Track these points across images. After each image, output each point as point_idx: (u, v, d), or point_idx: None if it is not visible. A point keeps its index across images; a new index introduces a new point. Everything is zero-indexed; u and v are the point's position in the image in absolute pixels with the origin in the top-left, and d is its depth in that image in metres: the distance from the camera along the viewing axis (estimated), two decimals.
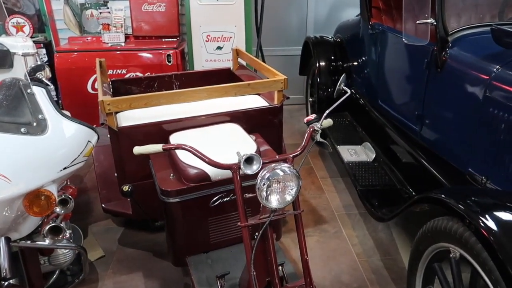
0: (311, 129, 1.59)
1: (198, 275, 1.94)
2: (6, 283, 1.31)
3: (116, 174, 2.24)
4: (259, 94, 2.56)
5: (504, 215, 1.32)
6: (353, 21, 3.50)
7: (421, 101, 2.32)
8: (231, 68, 3.16)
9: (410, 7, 2.23)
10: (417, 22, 2.11)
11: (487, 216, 1.30)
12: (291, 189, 1.36)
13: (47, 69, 1.83)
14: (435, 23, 2.05)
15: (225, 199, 1.96)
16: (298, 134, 3.93)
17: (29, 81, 1.30)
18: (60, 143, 1.25)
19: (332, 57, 3.53)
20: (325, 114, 1.61)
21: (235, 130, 2.22)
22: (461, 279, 1.46)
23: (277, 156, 1.48)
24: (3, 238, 1.32)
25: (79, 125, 1.34)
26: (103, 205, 2.38)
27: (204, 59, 3.60)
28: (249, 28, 3.58)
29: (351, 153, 2.76)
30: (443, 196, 1.51)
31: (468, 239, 1.34)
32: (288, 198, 1.35)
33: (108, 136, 2.15)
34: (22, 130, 1.16)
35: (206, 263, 2.01)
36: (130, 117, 2.23)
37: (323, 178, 3.26)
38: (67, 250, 1.80)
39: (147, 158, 2.13)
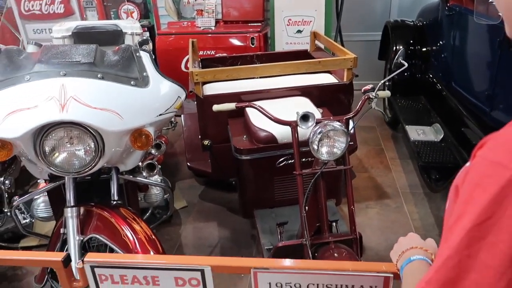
0: (366, 97, 1.76)
1: (263, 225, 2.24)
2: (115, 202, 1.72)
3: (200, 137, 2.62)
4: (331, 73, 2.75)
5: None
6: (435, 3, 3.48)
7: (492, 81, 2.32)
8: (308, 49, 3.37)
9: None
10: (489, 0, 2.14)
11: None
12: (340, 144, 1.56)
13: (150, 44, 2.23)
14: None
15: (289, 161, 2.21)
16: (372, 117, 4.02)
17: (138, 47, 1.69)
18: (158, 95, 1.61)
19: (411, 41, 3.55)
20: (380, 84, 1.77)
21: (303, 102, 2.45)
22: None
23: (331, 117, 1.69)
24: (114, 168, 1.75)
25: (172, 83, 1.70)
26: (188, 164, 2.79)
27: (285, 42, 3.86)
28: (329, 13, 3.75)
29: (418, 133, 2.83)
30: None
31: None
32: (337, 152, 1.57)
33: (195, 102, 2.53)
34: (132, 82, 1.53)
35: (271, 216, 2.30)
36: (214, 88, 2.58)
37: (392, 158, 3.34)
38: (158, 191, 2.21)
39: (226, 123, 2.47)
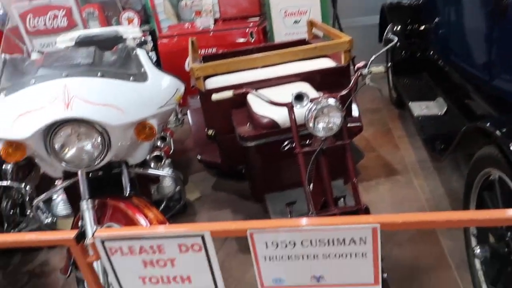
0: (359, 74, 1.80)
1: (273, 207, 2.30)
2: (128, 193, 1.81)
3: (206, 130, 2.70)
4: (329, 58, 2.78)
5: None
6: None
7: (488, 51, 2.33)
8: (306, 39, 3.41)
9: None
10: None
11: None
12: (336, 120, 1.61)
13: (150, 44, 2.31)
14: None
15: (294, 144, 2.27)
16: (377, 99, 4.03)
17: (136, 47, 1.77)
18: (157, 88, 1.69)
19: (408, 21, 3.55)
20: (372, 59, 1.80)
21: (304, 87, 2.50)
22: (504, 198, 1.56)
23: (325, 95, 1.74)
24: (123, 162, 1.83)
25: (170, 77, 1.78)
26: (199, 157, 2.86)
27: (284, 33, 3.91)
28: (324, 0, 3.78)
29: (422, 108, 2.84)
30: (488, 124, 1.61)
31: (502, 160, 1.46)
32: (333, 127, 1.61)
33: (199, 97, 2.60)
34: (131, 78, 1.62)
35: (281, 198, 2.35)
36: (215, 82, 2.65)
37: (400, 137, 3.36)
38: (170, 183, 2.30)
39: (230, 114, 2.54)
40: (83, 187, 1.66)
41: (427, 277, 1.99)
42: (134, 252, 0.96)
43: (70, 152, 1.51)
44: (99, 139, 1.52)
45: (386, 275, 1.57)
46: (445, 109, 2.76)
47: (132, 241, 0.95)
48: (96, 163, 1.55)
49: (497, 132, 1.49)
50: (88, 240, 0.96)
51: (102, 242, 0.96)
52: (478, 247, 1.67)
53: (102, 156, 1.54)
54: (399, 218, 0.90)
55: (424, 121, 2.68)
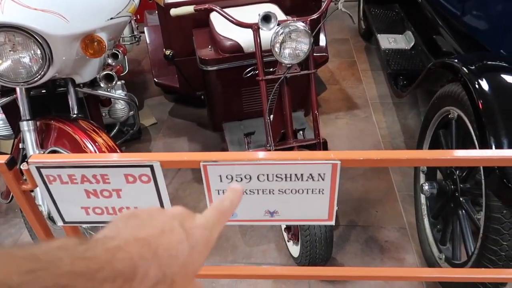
0: None
1: (231, 137, 2.24)
2: (75, 115, 1.67)
3: (164, 50, 2.51)
4: None
5: (500, 79, 1.39)
6: None
7: None
8: None
9: None
10: None
11: (483, 77, 1.38)
12: (303, 46, 1.51)
13: None
14: None
15: (257, 71, 2.15)
16: (345, 29, 3.90)
17: None
18: None
19: None
20: None
21: (271, 8, 2.33)
22: (459, 138, 1.58)
23: (294, 18, 1.62)
24: (69, 79, 1.66)
25: None
26: (155, 79, 2.70)
27: None
28: None
29: (390, 41, 2.78)
30: (456, 61, 1.57)
31: (464, 99, 1.45)
32: (300, 54, 1.52)
33: (157, 13, 2.38)
34: None
35: (239, 128, 2.30)
36: None
37: (364, 70, 3.32)
38: (123, 106, 2.16)
39: (191, 34, 2.35)
40: (23, 106, 1.51)
41: (373, 209, 2.08)
42: (75, 181, 0.88)
43: (4, 65, 1.33)
44: (38, 52, 1.34)
45: (337, 208, 1.60)
46: (412, 44, 2.71)
47: (73, 169, 0.87)
48: (35, 79, 1.39)
49: (464, 69, 1.46)
50: (22, 166, 0.86)
51: (38, 169, 0.86)
52: (426, 184, 1.72)
53: (42, 72, 1.37)
54: (360, 155, 0.87)
55: (390, 55, 2.62)
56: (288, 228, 1.78)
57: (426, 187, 1.71)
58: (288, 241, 1.82)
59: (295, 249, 1.75)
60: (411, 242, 1.91)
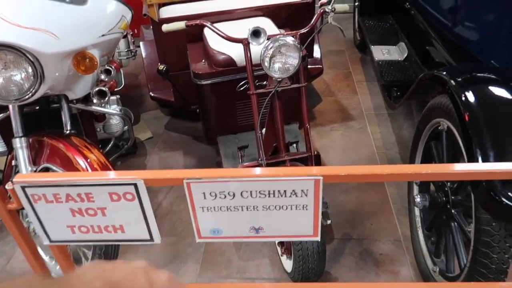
0: (322, 10, 1.69)
1: (225, 150, 2.25)
2: (68, 131, 1.68)
3: (159, 64, 2.53)
4: None
5: (487, 90, 1.40)
6: None
7: None
8: None
9: None
10: None
11: (470, 90, 1.39)
12: (293, 60, 1.52)
13: None
14: None
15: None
16: (341, 41, 3.93)
17: None
18: (98, 14, 1.51)
19: None
20: None
21: (264, 23, 2.36)
22: (449, 149, 1.59)
23: (284, 32, 1.63)
24: (63, 96, 1.68)
25: (115, 1, 1.59)
26: (151, 94, 2.72)
27: None
28: None
29: (383, 52, 2.80)
30: (444, 73, 1.58)
31: (453, 111, 1.45)
32: (289, 68, 1.53)
33: (151, 27, 2.40)
34: (67, 0, 1.43)
35: (234, 141, 2.31)
36: (171, 11, 2.44)
37: (359, 81, 3.33)
38: (117, 121, 2.16)
39: (185, 49, 2.37)
40: (15, 123, 1.52)
41: (368, 222, 2.07)
42: (60, 200, 0.88)
43: None
44: (29, 69, 1.36)
45: (330, 221, 1.60)
46: (405, 55, 2.73)
47: (57, 188, 0.87)
48: (27, 97, 1.40)
49: (452, 81, 1.47)
50: (7, 186, 0.87)
51: (23, 189, 0.87)
52: (418, 196, 1.72)
53: (33, 89, 1.39)
54: (342, 171, 0.87)
55: (384, 66, 2.64)
56: (281, 243, 1.78)
57: (418, 199, 1.71)
58: (282, 256, 1.81)
59: (288, 264, 1.74)
60: (406, 254, 1.90)
